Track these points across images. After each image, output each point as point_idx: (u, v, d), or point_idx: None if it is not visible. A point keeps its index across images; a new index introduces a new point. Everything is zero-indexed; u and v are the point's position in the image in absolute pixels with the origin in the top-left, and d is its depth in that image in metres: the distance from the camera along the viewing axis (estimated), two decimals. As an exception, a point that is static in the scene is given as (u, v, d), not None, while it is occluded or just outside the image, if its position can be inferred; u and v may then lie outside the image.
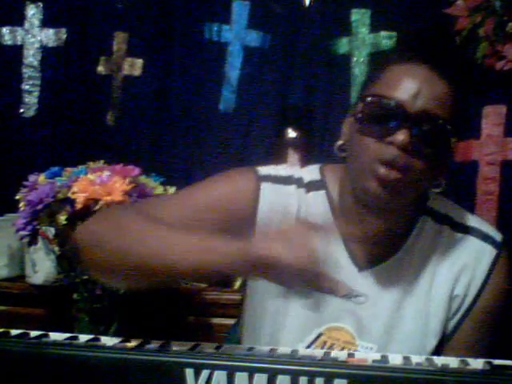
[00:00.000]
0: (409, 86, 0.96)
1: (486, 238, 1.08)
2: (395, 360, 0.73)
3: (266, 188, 1.07)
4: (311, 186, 1.10)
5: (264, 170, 1.10)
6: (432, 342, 1.06)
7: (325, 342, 1.05)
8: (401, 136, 0.94)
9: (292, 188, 1.08)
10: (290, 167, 1.14)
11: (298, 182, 1.09)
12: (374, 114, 0.98)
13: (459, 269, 1.07)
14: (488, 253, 1.07)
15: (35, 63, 2.04)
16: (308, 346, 1.05)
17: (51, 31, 2.03)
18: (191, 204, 1.04)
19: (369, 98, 1.00)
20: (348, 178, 1.05)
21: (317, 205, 1.08)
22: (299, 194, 1.08)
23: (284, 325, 1.06)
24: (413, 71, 0.97)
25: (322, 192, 1.09)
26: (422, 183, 1.00)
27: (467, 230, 1.09)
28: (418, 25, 1.84)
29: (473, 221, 1.10)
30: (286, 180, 1.09)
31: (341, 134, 1.06)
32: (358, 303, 1.04)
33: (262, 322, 1.09)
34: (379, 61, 1.06)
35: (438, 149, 0.97)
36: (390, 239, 1.07)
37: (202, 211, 1.03)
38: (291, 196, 1.08)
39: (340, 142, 1.05)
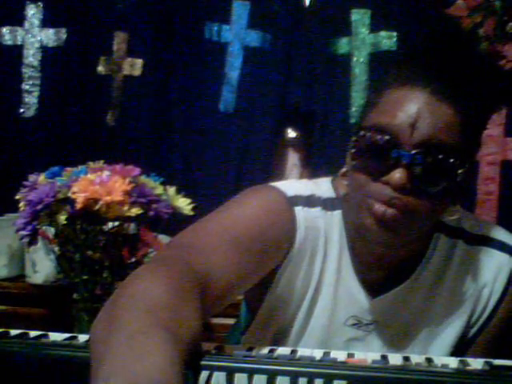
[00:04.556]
0: (403, 115, 0.82)
1: (502, 247, 0.99)
2: (395, 360, 0.73)
3: (299, 212, 0.95)
4: (331, 206, 0.99)
5: (287, 190, 0.96)
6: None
7: None
8: (397, 175, 0.82)
9: (318, 210, 0.97)
10: (305, 183, 1.01)
11: (321, 202, 0.98)
12: (367, 149, 0.86)
13: (481, 285, 1.00)
14: (506, 263, 0.99)
15: (35, 63, 2.04)
16: None
17: (51, 31, 2.03)
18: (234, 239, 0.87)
19: (361, 132, 0.87)
20: (348, 211, 0.96)
21: (335, 227, 0.98)
22: (324, 216, 0.98)
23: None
24: (408, 97, 0.83)
25: (338, 212, 0.98)
26: (429, 220, 0.89)
27: (482, 241, 1.00)
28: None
29: (487, 229, 1.01)
30: (310, 201, 0.97)
31: (346, 161, 0.95)
32: (367, 331, 1.00)
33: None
34: (377, 86, 0.90)
35: (444, 184, 0.85)
36: (402, 264, 0.98)
37: (246, 244, 0.87)
38: (318, 219, 0.97)
39: (343, 170, 0.95)
